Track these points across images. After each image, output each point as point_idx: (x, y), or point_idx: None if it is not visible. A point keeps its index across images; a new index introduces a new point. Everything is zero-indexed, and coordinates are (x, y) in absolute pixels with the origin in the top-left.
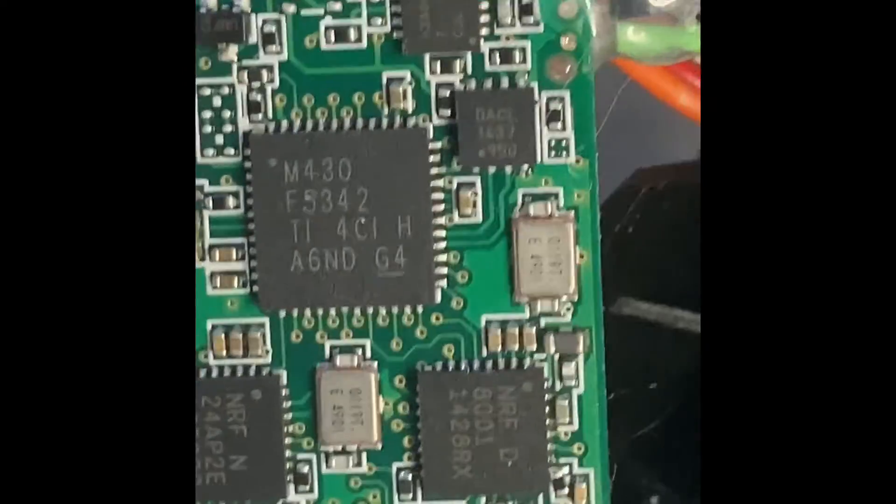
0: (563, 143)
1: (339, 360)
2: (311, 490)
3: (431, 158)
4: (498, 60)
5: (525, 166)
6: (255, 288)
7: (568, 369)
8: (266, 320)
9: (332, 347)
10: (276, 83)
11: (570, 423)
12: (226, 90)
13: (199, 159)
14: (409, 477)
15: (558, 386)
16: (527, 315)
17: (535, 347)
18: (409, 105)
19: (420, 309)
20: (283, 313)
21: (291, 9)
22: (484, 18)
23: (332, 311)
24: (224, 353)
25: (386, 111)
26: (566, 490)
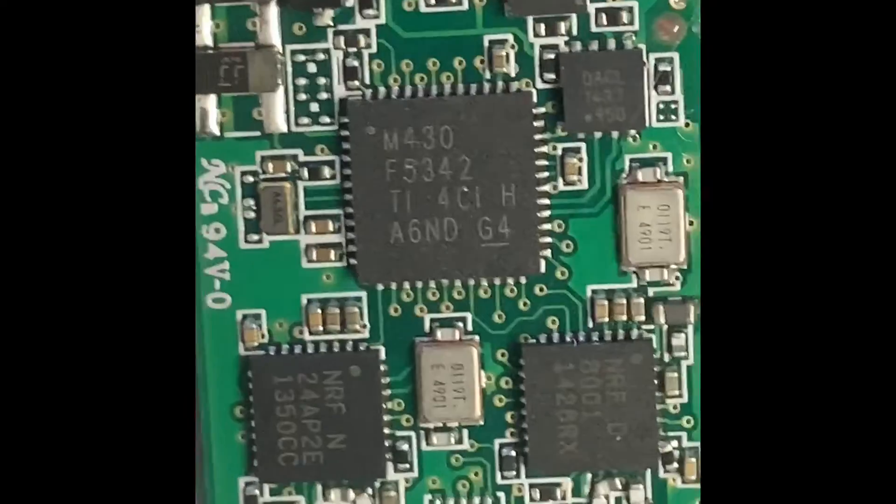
0: (672, 107)
1: (440, 334)
2: (411, 468)
3: (535, 124)
4: (605, 21)
5: (633, 131)
6: (353, 261)
7: (678, 340)
8: (364, 294)
9: (432, 321)
10: (374, 48)
11: (680, 395)
12: (321, 56)
13: (293, 128)
14: (513, 453)
15: (667, 357)
16: (634, 284)
17: (643, 318)
18: (512, 69)
19: (524, 280)
20: (381, 286)
21: None
22: None
23: (433, 284)
24: (320, 328)
25: (488, 75)
26: (675, 465)
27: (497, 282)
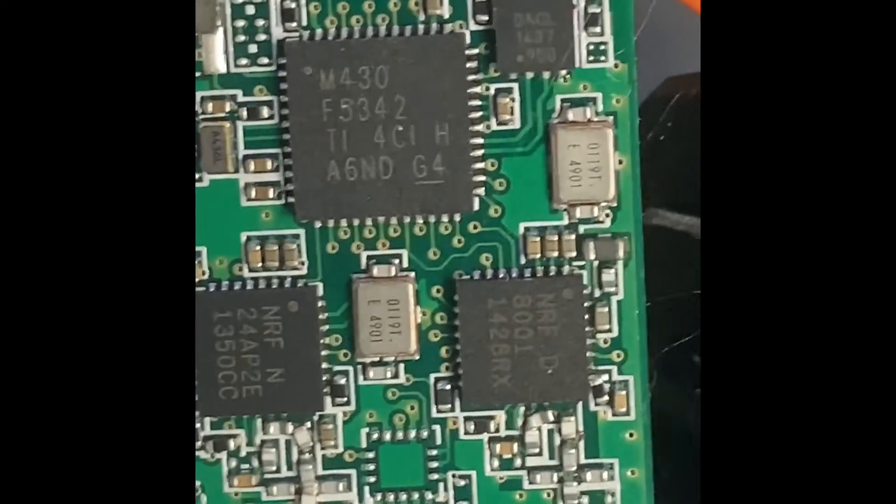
0: (602, 48)
1: (376, 270)
2: (349, 402)
3: (468, 65)
4: None
5: (563, 71)
6: (291, 199)
7: (608, 275)
8: (302, 231)
9: (368, 258)
10: None
11: (610, 329)
12: None
13: (232, 69)
14: (448, 387)
15: (598, 293)
16: (565, 222)
17: (574, 254)
18: (446, 11)
19: (458, 217)
20: (318, 224)
21: None
22: None
23: (369, 222)
24: (259, 265)
25: (422, 17)
26: (605, 398)
27: (432, 219)
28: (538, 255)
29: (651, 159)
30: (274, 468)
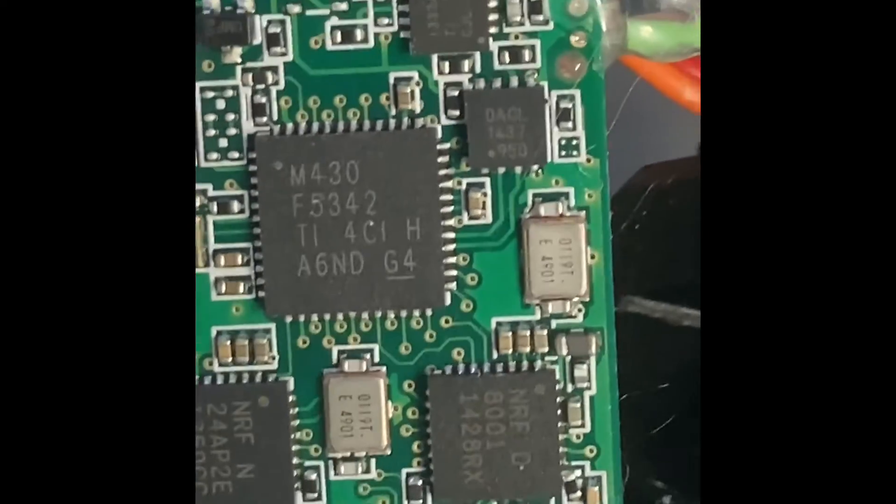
0: (574, 143)
1: (347, 365)
2: (320, 497)
3: (440, 159)
4: (507, 59)
5: (535, 166)
6: (261, 293)
7: (580, 371)
8: (272, 326)
9: (339, 352)
10: (281, 85)
11: (583, 425)
12: (229, 93)
13: (202, 163)
14: (419, 482)
15: (570, 388)
16: (538, 317)
17: (546, 349)
18: (417, 106)
19: (429, 312)
20: (289, 318)
21: (296, 9)
22: (493, 17)
23: (340, 316)
24: (229, 359)
25: (393, 112)
26: (578, 493)
27: (403, 314)
28: (510, 350)
29: (626, 247)
30: None
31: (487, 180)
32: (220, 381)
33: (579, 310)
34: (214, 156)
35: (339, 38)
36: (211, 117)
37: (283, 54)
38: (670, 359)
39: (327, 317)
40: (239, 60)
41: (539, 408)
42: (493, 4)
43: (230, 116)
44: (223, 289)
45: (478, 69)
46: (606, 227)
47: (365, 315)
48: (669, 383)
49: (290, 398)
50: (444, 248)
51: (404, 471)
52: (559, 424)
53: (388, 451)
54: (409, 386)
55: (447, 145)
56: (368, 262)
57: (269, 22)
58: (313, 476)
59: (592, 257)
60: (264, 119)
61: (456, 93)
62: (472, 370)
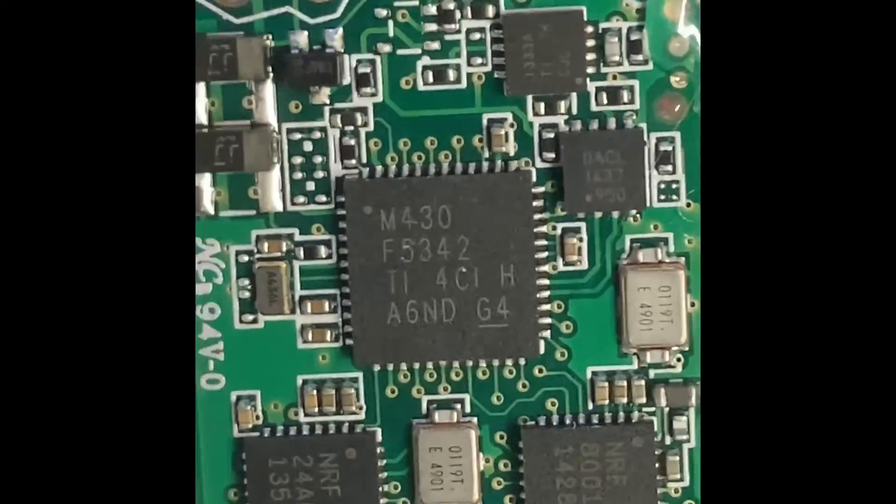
0: (674, 187)
1: (438, 415)
2: None
3: (534, 203)
4: (605, 100)
5: (633, 211)
6: (349, 341)
7: (679, 423)
8: (360, 375)
9: (429, 403)
10: (371, 126)
11: (682, 479)
12: (317, 134)
13: (289, 207)
14: None
15: (669, 440)
16: (635, 366)
17: (644, 400)
18: (511, 148)
19: (522, 361)
20: (377, 367)
21: (387, 48)
22: (590, 56)
23: (430, 365)
24: (316, 409)
25: (487, 154)
26: None
27: (496, 363)
28: (606, 401)
29: None
30: None
31: (584, 225)
32: (305, 431)
33: (678, 359)
34: (301, 199)
35: (430, 78)
36: (298, 160)
37: (373, 95)
38: None
39: (417, 366)
40: (327, 101)
41: (637, 461)
42: (590, 43)
43: (318, 159)
44: (310, 336)
45: (574, 110)
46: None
47: (456, 364)
48: None
49: (379, 450)
50: (538, 296)
51: None
52: (657, 478)
53: None
54: (502, 437)
55: (542, 189)
56: (460, 310)
57: (359, 61)
58: None
59: (692, 305)
60: (353, 161)
61: (552, 135)
62: (567, 421)
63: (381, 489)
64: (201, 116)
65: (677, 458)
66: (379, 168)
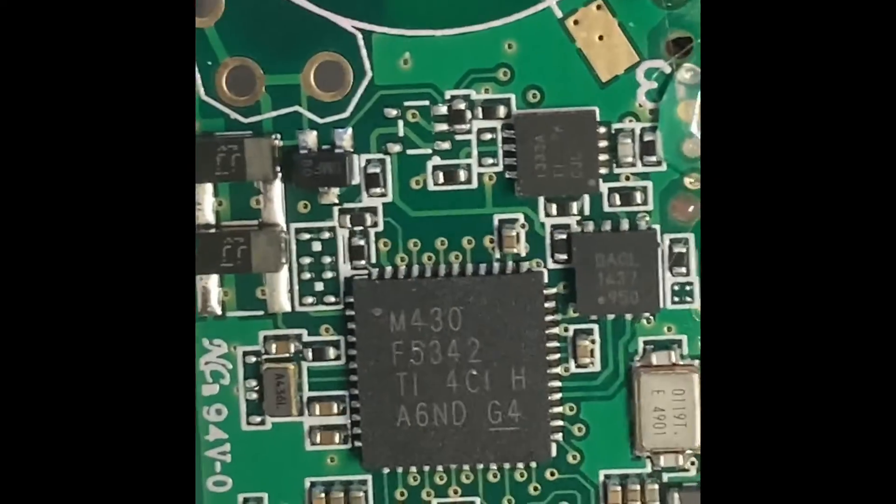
0: (688, 289)
1: None
2: None
3: (546, 305)
4: (618, 201)
5: (647, 313)
6: (358, 443)
7: None
8: (369, 478)
9: None
10: (381, 227)
11: None
12: (326, 234)
13: (297, 307)
14: None
15: None
16: (648, 470)
17: None
18: (523, 249)
19: (534, 464)
20: (387, 470)
21: (397, 148)
22: (603, 157)
23: (440, 468)
24: None
25: (498, 255)
26: None
27: (506, 466)
28: None
29: None
30: None
31: (596, 327)
32: None
33: (692, 463)
34: (310, 300)
35: (441, 179)
36: (307, 260)
37: (383, 195)
38: None
39: (426, 469)
40: (336, 201)
41: None
42: (603, 144)
43: (327, 259)
44: (318, 438)
45: (587, 211)
46: None
47: (466, 467)
48: None
49: None
50: (550, 398)
51: None
52: None
53: None
54: None
55: (554, 290)
56: (471, 413)
57: (368, 161)
58: None
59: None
60: (362, 262)
61: (564, 236)
62: None
63: None
64: (208, 216)
65: None
66: (388, 269)
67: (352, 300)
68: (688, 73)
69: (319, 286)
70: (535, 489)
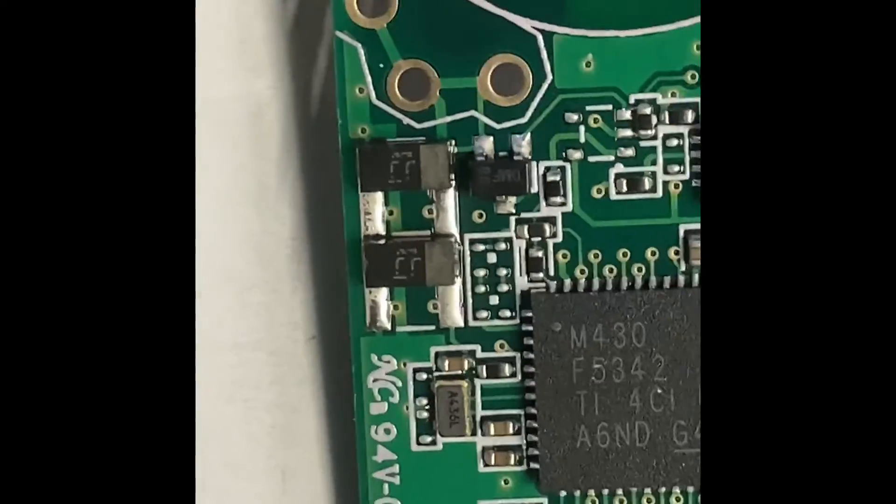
0: None
1: None
2: None
3: None
4: None
5: None
6: (534, 465)
7: None
8: (545, 501)
9: None
10: (560, 237)
11: None
12: (503, 245)
13: (470, 322)
14: None
15: None
16: None
17: None
18: None
19: None
20: (564, 493)
21: (578, 155)
22: None
23: (620, 492)
24: None
25: (683, 267)
26: None
27: (690, 489)
28: None
29: None
30: None
31: None
32: None
33: None
34: (484, 314)
35: (624, 187)
36: (481, 272)
37: (563, 204)
38: None
39: (606, 492)
40: (513, 210)
41: None
42: None
43: (502, 271)
44: (492, 459)
45: None
46: None
47: (648, 491)
48: None
49: None
50: None
51: None
52: None
53: None
54: None
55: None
56: (654, 434)
57: (548, 169)
58: None
59: None
60: (540, 274)
61: None
62: None
63: None
64: (378, 226)
65: None
66: (568, 281)
67: (529, 314)
68: None
69: (494, 300)
70: None
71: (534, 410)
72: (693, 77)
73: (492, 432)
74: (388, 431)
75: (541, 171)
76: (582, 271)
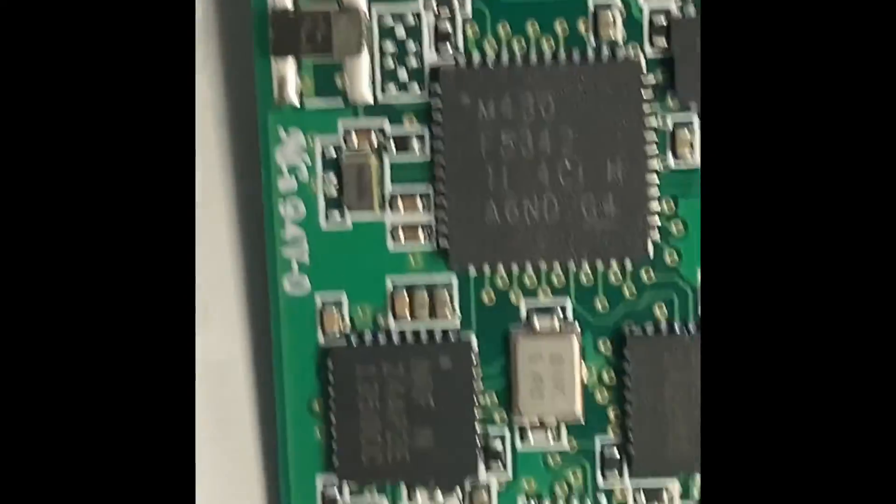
0: None
1: (537, 322)
2: (505, 468)
3: (644, 94)
4: None
5: None
6: (443, 242)
7: None
8: (454, 278)
9: (528, 308)
10: (468, 11)
11: None
12: (411, 20)
13: (380, 97)
14: (616, 454)
15: None
16: None
17: None
18: (619, 34)
19: (629, 264)
20: (473, 271)
21: None
22: None
23: (530, 268)
24: (407, 315)
25: (593, 41)
26: None
27: (600, 266)
28: None
29: None
30: None
31: (696, 118)
32: (396, 339)
33: None
34: (393, 90)
35: None
36: (390, 47)
37: None
38: None
39: (515, 269)
40: None
41: None
42: None
43: (411, 46)
44: (401, 237)
45: None
46: None
47: (557, 267)
48: None
49: (474, 358)
50: (647, 193)
51: (599, 440)
52: None
53: (582, 419)
54: (605, 346)
55: (652, 78)
56: (563, 209)
57: None
58: (499, 445)
59: None
60: (449, 49)
61: (663, 21)
62: (677, 329)
63: (476, 401)
64: (286, 1)
65: None
66: (477, 56)
67: (438, 89)
68: None
69: (403, 74)
70: (630, 291)
71: (442, 187)
72: None
73: (401, 209)
74: (296, 208)
75: None
76: (491, 45)
